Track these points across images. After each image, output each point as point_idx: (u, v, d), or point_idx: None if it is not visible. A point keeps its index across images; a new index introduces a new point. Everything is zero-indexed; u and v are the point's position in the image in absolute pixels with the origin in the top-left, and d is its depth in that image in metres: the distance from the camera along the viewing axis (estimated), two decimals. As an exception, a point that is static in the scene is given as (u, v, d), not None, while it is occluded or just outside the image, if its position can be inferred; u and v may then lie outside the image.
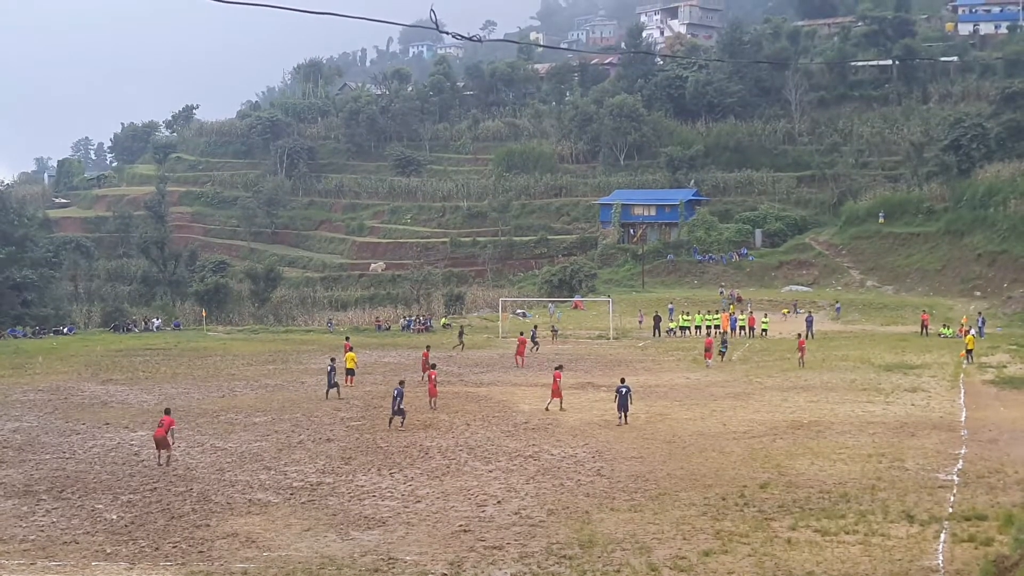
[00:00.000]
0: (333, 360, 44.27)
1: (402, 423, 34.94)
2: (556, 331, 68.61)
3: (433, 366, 42.73)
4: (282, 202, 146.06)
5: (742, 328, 68.34)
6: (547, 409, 37.96)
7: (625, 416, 35.05)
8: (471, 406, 39.46)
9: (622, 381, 36.14)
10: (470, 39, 21.75)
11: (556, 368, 41.31)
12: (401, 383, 36.88)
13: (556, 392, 38.40)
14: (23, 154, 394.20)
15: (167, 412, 30.93)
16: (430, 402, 39.11)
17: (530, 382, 46.54)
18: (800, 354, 50.66)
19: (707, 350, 51.83)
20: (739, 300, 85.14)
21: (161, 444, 29.79)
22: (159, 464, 29.56)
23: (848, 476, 26.80)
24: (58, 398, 44.10)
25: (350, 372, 46.08)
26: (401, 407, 35.13)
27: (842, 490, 25.25)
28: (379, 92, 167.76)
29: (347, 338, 60.30)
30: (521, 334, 57.21)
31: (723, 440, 31.97)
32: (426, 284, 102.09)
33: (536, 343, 59.99)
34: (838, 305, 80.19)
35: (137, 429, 35.56)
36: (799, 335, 54.22)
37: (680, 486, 26.10)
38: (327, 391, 42.79)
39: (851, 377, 45.78)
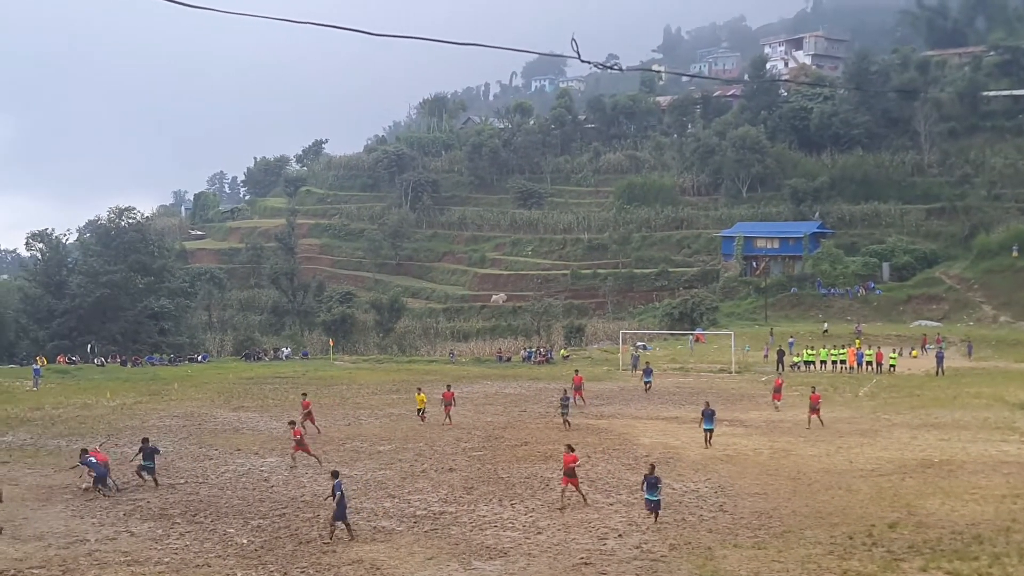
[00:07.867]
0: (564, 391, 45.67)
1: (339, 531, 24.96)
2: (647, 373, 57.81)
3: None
4: (406, 234, 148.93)
5: (869, 363, 66.68)
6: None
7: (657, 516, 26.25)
8: (592, 439, 39.39)
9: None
10: (607, 68, 22.10)
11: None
12: (334, 474, 25.50)
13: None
14: (162, 187, 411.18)
15: None
16: (293, 454, 34.77)
17: (651, 415, 46.30)
18: (775, 397, 46.04)
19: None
20: (907, 341, 78.57)
21: None
22: None
23: (981, 517, 25.94)
24: (192, 424, 45.46)
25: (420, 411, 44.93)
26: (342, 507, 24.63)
27: (975, 531, 24.45)
28: (502, 126, 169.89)
29: (304, 394, 47.12)
30: (576, 372, 55.34)
31: (850, 478, 31.26)
32: (546, 316, 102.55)
33: (648, 381, 56.67)
34: (969, 343, 76.93)
35: (267, 456, 36.52)
36: (777, 376, 48.05)
37: (805, 524, 25.62)
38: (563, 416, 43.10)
39: (984, 415, 44.24)
